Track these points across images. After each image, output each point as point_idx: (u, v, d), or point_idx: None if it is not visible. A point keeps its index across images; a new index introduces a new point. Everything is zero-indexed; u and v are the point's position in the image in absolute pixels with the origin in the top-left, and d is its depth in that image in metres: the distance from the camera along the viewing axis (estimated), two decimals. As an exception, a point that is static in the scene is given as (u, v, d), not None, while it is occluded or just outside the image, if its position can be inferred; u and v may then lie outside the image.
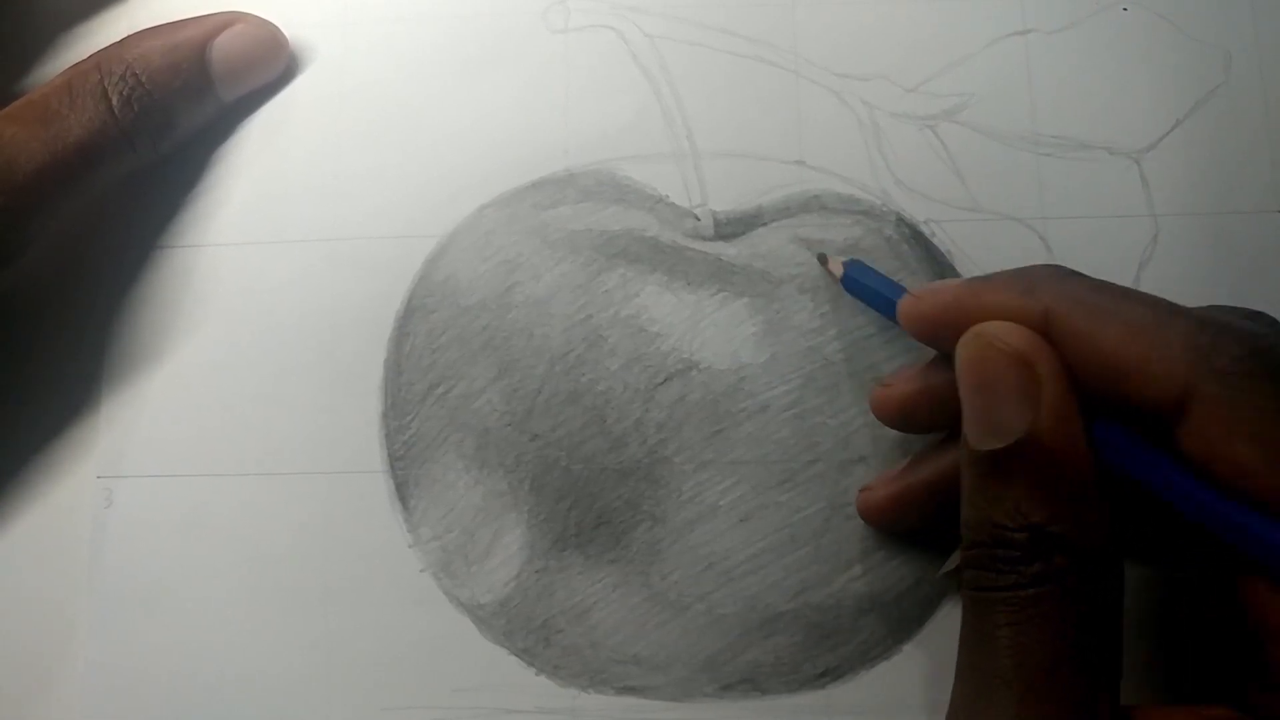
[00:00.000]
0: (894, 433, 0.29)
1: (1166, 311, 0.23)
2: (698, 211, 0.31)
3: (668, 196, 0.31)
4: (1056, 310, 0.23)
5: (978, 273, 0.30)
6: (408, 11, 0.33)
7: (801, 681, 0.29)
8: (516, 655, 0.29)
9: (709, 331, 0.30)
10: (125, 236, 0.32)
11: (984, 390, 0.23)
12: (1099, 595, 0.22)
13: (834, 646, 0.29)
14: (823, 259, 0.30)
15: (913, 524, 0.28)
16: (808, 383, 0.29)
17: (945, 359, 0.26)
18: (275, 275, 0.32)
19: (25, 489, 0.31)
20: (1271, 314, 0.24)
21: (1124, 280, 0.30)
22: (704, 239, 0.31)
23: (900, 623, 0.29)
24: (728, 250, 0.31)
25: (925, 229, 0.31)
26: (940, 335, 0.25)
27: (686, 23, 0.32)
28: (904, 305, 0.26)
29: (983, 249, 0.31)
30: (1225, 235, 0.30)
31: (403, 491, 0.30)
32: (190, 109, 0.31)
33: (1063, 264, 0.30)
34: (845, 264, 0.29)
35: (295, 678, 0.30)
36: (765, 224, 0.31)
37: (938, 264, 0.30)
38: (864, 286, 0.29)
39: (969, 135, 0.31)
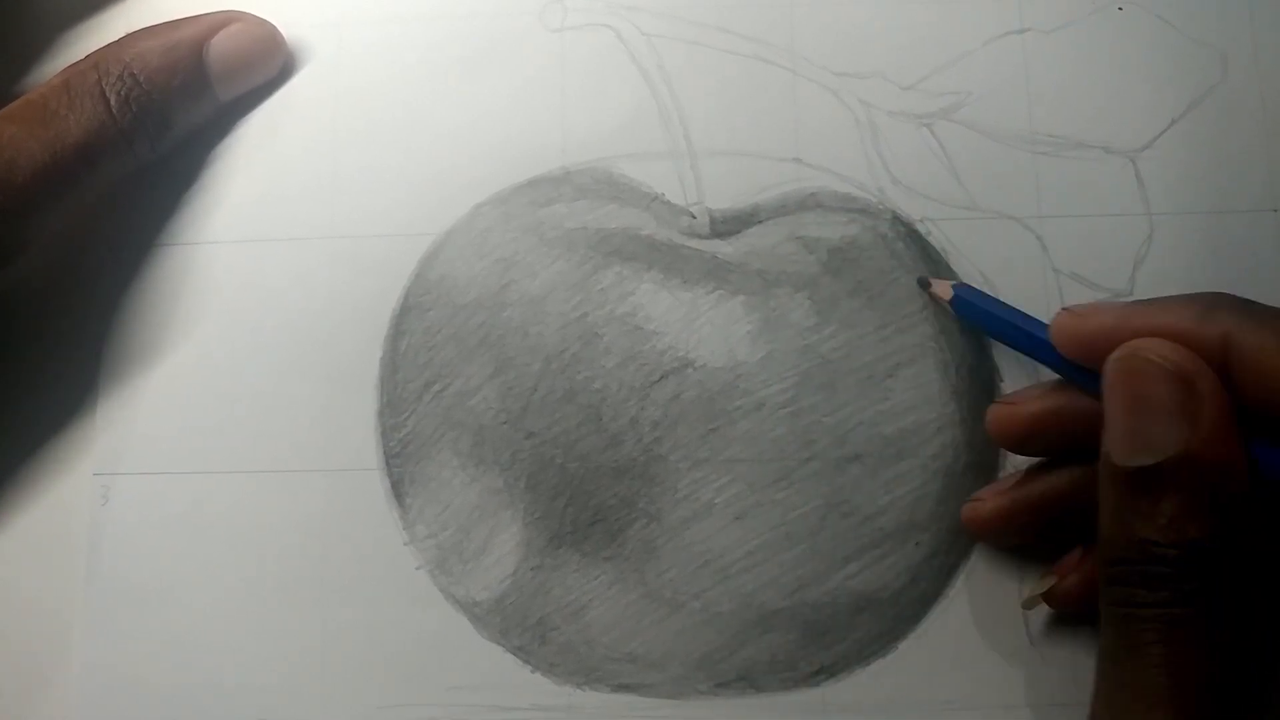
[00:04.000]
0: (891, 431, 0.29)
1: None
2: (694, 209, 0.31)
3: (664, 195, 0.31)
4: (1237, 335, 0.23)
5: (973, 271, 0.30)
6: (405, 11, 0.33)
7: (797, 679, 0.29)
8: (512, 653, 0.29)
9: (705, 329, 0.30)
10: (122, 235, 0.32)
11: (1137, 405, 0.23)
12: (1254, 614, 0.22)
13: (830, 645, 0.29)
14: (924, 283, 0.29)
15: (1019, 538, 0.28)
16: (804, 380, 0.29)
17: (1066, 383, 0.26)
18: (272, 273, 0.32)
19: (22, 486, 0.31)
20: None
21: (1120, 280, 0.30)
22: (700, 237, 0.31)
23: (896, 621, 0.29)
24: (724, 248, 0.31)
25: (921, 227, 0.31)
26: (1101, 356, 0.25)
27: (683, 21, 0.32)
28: (1063, 324, 0.26)
29: (978, 248, 0.31)
30: (1220, 234, 0.30)
31: (398, 489, 0.30)
32: (188, 108, 0.31)
33: (1059, 262, 0.30)
34: (955, 287, 0.29)
35: (291, 675, 0.30)
36: (761, 222, 0.31)
37: (932, 262, 0.30)
38: (980, 310, 0.28)
39: (965, 134, 0.31)
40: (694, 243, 0.31)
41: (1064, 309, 0.26)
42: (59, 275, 0.32)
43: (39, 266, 0.32)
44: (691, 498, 0.29)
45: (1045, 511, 0.27)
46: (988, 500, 0.28)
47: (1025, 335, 0.27)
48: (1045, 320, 0.27)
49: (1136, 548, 0.22)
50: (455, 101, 0.32)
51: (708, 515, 0.29)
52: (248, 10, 0.32)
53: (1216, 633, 0.22)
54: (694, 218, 0.31)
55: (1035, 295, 0.30)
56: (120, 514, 0.31)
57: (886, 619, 0.29)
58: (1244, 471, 0.22)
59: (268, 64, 0.33)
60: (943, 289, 0.29)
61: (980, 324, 0.29)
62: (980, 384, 0.30)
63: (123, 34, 0.31)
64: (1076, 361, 0.26)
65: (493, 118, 0.32)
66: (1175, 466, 0.22)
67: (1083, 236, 0.30)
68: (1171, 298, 0.25)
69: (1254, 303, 0.24)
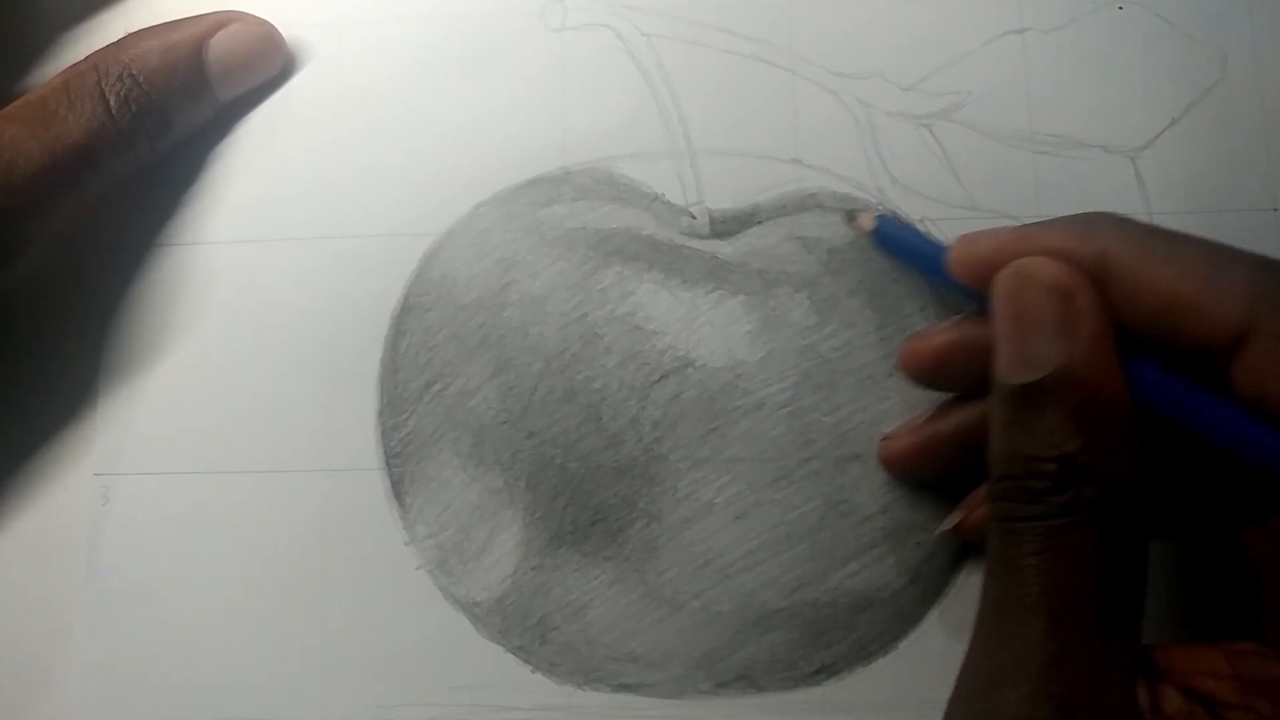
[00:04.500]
0: (891, 430, 0.29)
1: (1226, 253, 0.24)
2: (694, 210, 0.31)
3: (664, 195, 0.31)
4: (1113, 251, 0.24)
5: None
6: (404, 11, 0.33)
7: (797, 679, 0.29)
8: (512, 653, 0.29)
9: (704, 329, 0.30)
10: (122, 235, 0.32)
11: (1020, 323, 0.23)
12: (1126, 527, 0.22)
13: (830, 644, 0.29)
14: (850, 215, 0.30)
15: (933, 474, 0.28)
16: (803, 380, 0.29)
17: (978, 315, 0.26)
18: (272, 273, 0.32)
19: (22, 486, 0.31)
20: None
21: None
22: (700, 237, 0.31)
23: (896, 619, 0.29)
24: (723, 248, 0.31)
25: (921, 227, 0.31)
26: (992, 278, 0.25)
27: (683, 21, 0.32)
28: (958, 249, 0.26)
29: (978, 247, 0.31)
30: (1220, 233, 0.30)
31: (399, 489, 0.30)
32: (187, 109, 0.31)
33: None
34: (877, 219, 0.29)
35: (291, 676, 0.30)
36: (761, 222, 0.31)
37: (933, 262, 0.30)
38: (898, 240, 0.29)
39: (965, 134, 0.31)
40: (694, 243, 0.31)
41: (960, 236, 0.26)
42: (59, 275, 0.32)
43: (39, 266, 0.32)
44: (692, 497, 0.29)
45: (958, 446, 0.28)
46: (900, 437, 0.28)
47: (938, 265, 0.27)
48: None
49: (1020, 463, 0.23)
50: (455, 101, 0.32)
51: (708, 515, 0.29)
52: (247, 10, 0.32)
53: (1091, 545, 0.22)
54: (694, 218, 0.31)
55: (1035, 295, 0.30)
56: (120, 514, 0.31)
57: (887, 618, 0.29)
58: (1121, 386, 0.23)
59: (267, 64, 0.33)
60: (866, 220, 0.29)
61: (901, 256, 0.29)
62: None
63: (122, 34, 0.31)
64: (976, 288, 0.26)
65: (493, 118, 0.32)
66: (1055, 380, 0.22)
67: (1082, 236, 0.30)
68: (1058, 219, 0.25)
69: (1132, 220, 0.25)
